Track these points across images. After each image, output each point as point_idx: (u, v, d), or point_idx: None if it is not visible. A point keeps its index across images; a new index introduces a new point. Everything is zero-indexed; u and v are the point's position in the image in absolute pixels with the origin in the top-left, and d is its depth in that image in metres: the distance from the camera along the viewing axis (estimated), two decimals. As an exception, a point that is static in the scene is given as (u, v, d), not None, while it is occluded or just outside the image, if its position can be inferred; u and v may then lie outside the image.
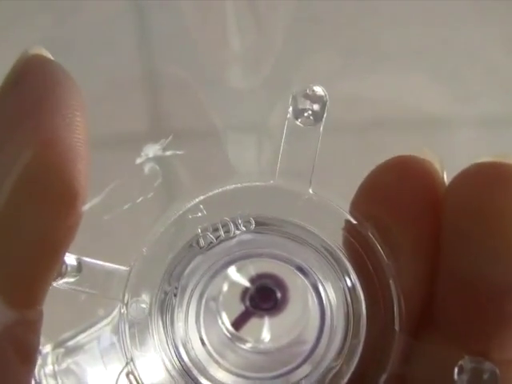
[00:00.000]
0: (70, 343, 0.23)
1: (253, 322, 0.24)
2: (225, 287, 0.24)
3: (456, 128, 0.46)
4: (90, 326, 0.23)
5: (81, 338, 0.23)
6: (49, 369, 0.23)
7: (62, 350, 0.23)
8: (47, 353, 0.23)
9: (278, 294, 0.24)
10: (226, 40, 0.41)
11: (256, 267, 0.24)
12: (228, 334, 0.24)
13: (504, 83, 0.47)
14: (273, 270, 0.24)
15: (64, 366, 0.23)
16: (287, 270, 0.22)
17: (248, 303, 0.24)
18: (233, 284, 0.24)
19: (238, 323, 0.24)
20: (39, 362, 0.23)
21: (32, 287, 0.18)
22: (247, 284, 0.24)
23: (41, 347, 0.24)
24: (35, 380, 0.22)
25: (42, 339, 0.24)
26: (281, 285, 0.24)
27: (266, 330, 0.24)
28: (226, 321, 0.24)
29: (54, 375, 0.23)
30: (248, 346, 0.24)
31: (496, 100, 0.45)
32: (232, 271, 0.24)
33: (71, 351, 0.23)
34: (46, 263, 0.18)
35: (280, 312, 0.24)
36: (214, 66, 0.42)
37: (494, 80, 0.47)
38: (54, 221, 0.17)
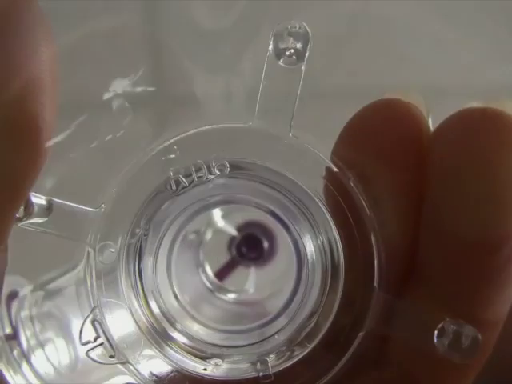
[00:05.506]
0: (51, 286, 0.23)
1: (237, 272, 0.23)
2: (208, 235, 0.23)
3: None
4: (70, 270, 0.22)
5: (61, 281, 0.22)
6: (25, 313, 0.22)
7: (41, 292, 0.23)
8: (24, 295, 0.22)
9: (265, 244, 0.23)
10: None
11: (243, 215, 0.23)
12: (209, 285, 0.23)
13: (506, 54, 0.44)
14: (261, 219, 0.23)
15: (45, 309, 0.22)
16: (275, 220, 0.20)
17: (234, 252, 0.23)
18: (217, 232, 0.23)
19: (222, 273, 0.23)
20: (16, 305, 0.22)
21: None
22: (234, 232, 0.23)
23: (18, 289, 0.23)
24: (11, 324, 0.22)
25: (21, 280, 0.23)
26: (268, 234, 0.23)
27: (250, 281, 0.23)
28: (208, 270, 0.23)
29: (31, 319, 0.22)
30: (230, 296, 0.23)
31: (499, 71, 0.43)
32: (218, 219, 0.23)
33: (51, 294, 0.22)
34: (7, 199, 0.17)
35: (267, 262, 0.23)
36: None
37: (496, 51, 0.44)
38: (14, 156, 0.16)
